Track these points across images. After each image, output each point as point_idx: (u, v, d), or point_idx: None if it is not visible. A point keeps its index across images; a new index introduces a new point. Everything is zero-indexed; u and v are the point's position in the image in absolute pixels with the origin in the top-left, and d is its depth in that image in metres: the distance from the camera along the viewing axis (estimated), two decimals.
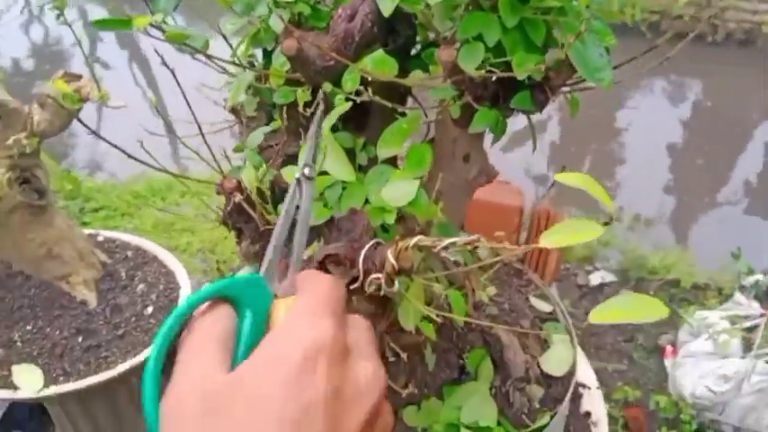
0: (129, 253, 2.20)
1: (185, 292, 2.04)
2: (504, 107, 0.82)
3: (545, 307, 1.34)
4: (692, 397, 2.36)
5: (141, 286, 2.06)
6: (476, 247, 0.62)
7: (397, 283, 0.70)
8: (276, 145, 1.02)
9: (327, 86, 0.84)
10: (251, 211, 0.87)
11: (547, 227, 2.34)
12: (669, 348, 2.70)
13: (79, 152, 5.05)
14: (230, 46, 0.99)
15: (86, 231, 2.19)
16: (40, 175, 1.84)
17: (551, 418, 1.08)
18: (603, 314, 0.62)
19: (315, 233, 0.86)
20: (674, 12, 6.89)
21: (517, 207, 2.38)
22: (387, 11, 0.75)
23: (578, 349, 1.41)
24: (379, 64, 0.78)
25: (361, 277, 0.73)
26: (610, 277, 3.14)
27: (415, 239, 0.64)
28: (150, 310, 1.99)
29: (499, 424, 1.07)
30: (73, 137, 5.21)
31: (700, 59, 6.44)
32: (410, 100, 1.02)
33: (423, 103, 1.01)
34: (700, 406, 2.35)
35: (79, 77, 1.79)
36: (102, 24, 0.90)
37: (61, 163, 4.42)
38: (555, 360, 1.21)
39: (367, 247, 0.72)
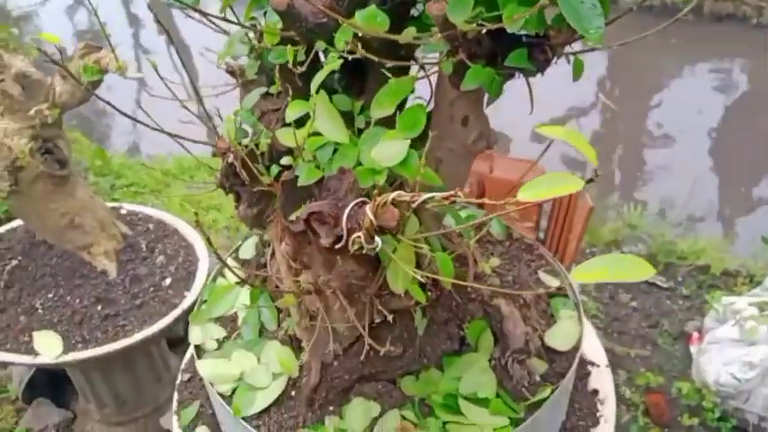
0: (151, 226, 2.23)
1: (204, 266, 2.06)
2: (501, 67, 0.80)
3: (554, 282, 1.31)
4: (716, 384, 2.30)
5: (161, 258, 2.09)
6: (453, 202, 0.60)
7: (379, 241, 0.69)
8: (277, 110, 1.01)
9: (321, 44, 0.83)
10: (242, 173, 0.87)
11: (568, 211, 2.31)
12: (695, 335, 2.64)
13: (116, 134, 5.15)
14: (231, 9, 0.98)
15: (110, 204, 2.23)
16: (62, 146, 1.88)
17: (552, 392, 1.06)
18: (586, 273, 0.60)
19: (305, 194, 0.85)
20: None
21: None
22: None
23: (589, 327, 1.38)
24: (370, 20, 0.76)
25: (345, 236, 0.72)
26: None
27: (393, 194, 0.62)
28: (168, 281, 2.01)
29: (498, 396, 1.06)
30: (110, 117, 5.32)
31: (744, 41, 6.23)
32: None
33: (427, 68, 0.99)
34: (723, 393, 2.29)
35: (99, 49, 1.81)
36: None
37: (100, 144, 4.51)
38: (561, 335, 1.18)
39: (351, 205, 0.71)
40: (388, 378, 1.09)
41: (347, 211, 0.70)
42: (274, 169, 0.89)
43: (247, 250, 1.42)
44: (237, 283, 1.28)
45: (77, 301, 1.91)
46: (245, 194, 0.96)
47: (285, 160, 0.84)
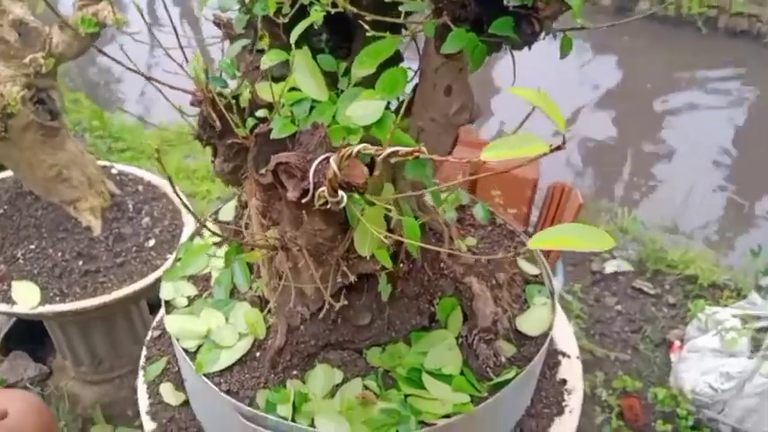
0: (140, 187, 2.22)
1: (188, 231, 2.06)
2: (485, 34, 0.79)
3: (532, 269, 1.30)
4: (693, 393, 2.29)
5: (146, 219, 2.08)
6: (416, 158, 0.59)
7: (344, 196, 0.68)
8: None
9: None
10: (216, 124, 0.86)
11: (560, 203, 2.30)
12: (677, 343, 2.63)
13: (124, 99, 5.13)
14: None
15: (101, 163, 2.22)
16: (54, 97, 1.86)
17: (517, 374, 1.05)
18: (545, 240, 0.59)
19: (279, 149, 0.84)
20: (734, 9, 6.64)
21: (531, 180, 2.33)
22: None
23: (562, 317, 1.38)
24: None
25: (311, 190, 0.71)
26: (626, 266, 3.06)
27: (358, 147, 0.62)
28: (152, 242, 2.01)
29: (462, 374, 1.05)
30: (119, 82, 5.30)
31: (756, 58, 6.20)
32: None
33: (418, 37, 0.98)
34: (699, 402, 2.29)
35: (98, 2, 1.79)
36: None
37: (106, 108, 4.48)
38: (532, 321, 1.18)
39: (319, 159, 0.70)
40: (354, 348, 1.09)
41: (315, 164, 0.69)
42: (250, 122, 0.88)
43: (227, 213, 1.42)
44: (214, 243, 1.27)
45: (59, 254, 1.90)
46: (221, 148, 0.95)
47: (261, 113, 0.83)
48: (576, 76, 5.50)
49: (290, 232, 0.82)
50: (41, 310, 1.77)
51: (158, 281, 1.90)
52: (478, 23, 0.79)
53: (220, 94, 0.92)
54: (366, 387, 1.04)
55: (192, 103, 0.90)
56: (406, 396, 1.03)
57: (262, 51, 1.01)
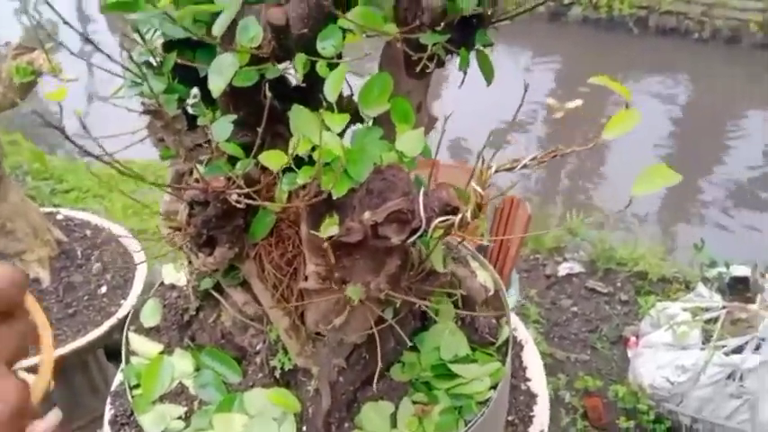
0: (88, 232, 2.18)
1: (141, 274, 2.03)
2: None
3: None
4: (651, 387, 2.36)
5: (97, 265, 2.04)
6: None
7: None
8: (206, 144, 1.00)
9: (301, 57, 0.82)
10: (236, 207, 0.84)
11: (510, 215, 2.35)
12: (632, 339, 2.71)
13: (64, 139, 4.99)
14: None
15: (46, 209, 2.17)
16: None
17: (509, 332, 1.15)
18: None
19: (325, 211, 0.84)
20: (663, 8, 6.91)
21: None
22: None
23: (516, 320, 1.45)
24: (365, 15, 0.79)
25: (422, 226, 0.74)
26: (578, 268, 3.14)
27: (497, 164, 0.68)
28: (104, 289, 1.97)
29: (473, 349, 1.16)
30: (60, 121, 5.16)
31: (686, 55, 6.46)
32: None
33: None
34: (657, 396, 2.36)
35: (33, 50, 1.76)
36: (112, 7, 0.88)
37: (50, 150, 4.38)
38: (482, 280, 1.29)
39: (422, 195, 0.74)
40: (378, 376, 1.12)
41: (420, 201, 0.74)
42: (282, 192, 0.86)
43: (150, 315, 1.29)
44: (162, 352, 1.20)
45: None
46: (224, 236, 0.93)
47: (301, 179, 0.81)
48: (517, 83, 5.64)
49: (373, 280, 0.84)
50: None
51: (113, 329, 1.87)
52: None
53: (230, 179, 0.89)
54: (414, 402, 1.09)
55: (196, 202, 0.87)
56: (448, 389, 1.10)
57: (196, 128, 1.01)
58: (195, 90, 1.02)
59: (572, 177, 4.46)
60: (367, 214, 0.77)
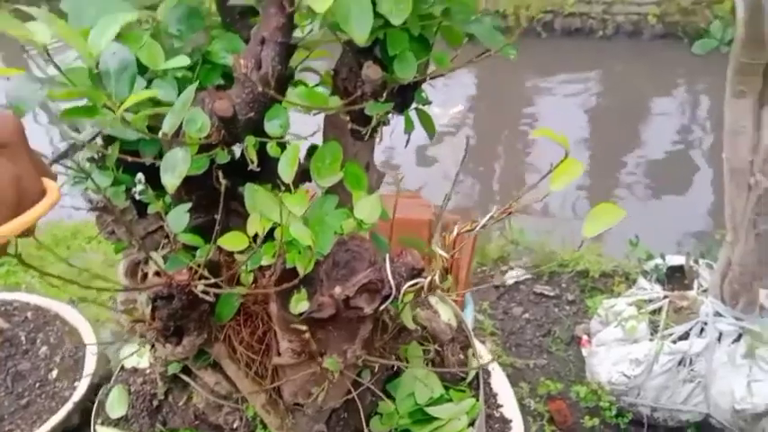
0: (29, 314, 2.10)
1: (92, 350, 1.96)
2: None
3: (443, 315, 1.40)
4: (609, 384, 2.45)
5: (44, 349, 1.96)
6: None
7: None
8: (158, 230, 1.00)
9: (251, 140, 0.83)
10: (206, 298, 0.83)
11: (454, 246, 2.40)
12: (585, 338, 2.81)
13: None
14: None
15: None
16: None
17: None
18: None
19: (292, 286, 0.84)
20: (566, 10, 7.22)
21: (426, 220, 2.41)
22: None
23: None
24: (310, 94, 0.81)
25: (393, 293, 0.75)
26: (524, 275, 3.23)
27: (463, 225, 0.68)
28: (55, 373, 1.90)
29: (446, 388, 1.18)
30: None
31: (594, 53, 6.76)
32: None
33: None
34: (617, 391, 2.45)
35: None
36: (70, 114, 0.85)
37: None
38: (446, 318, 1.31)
39: (388, 262, 0.75)
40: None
41: (388, 269, 0.75)
42: (246, 278, 0.86)
43: (117, 405, 1.23)
44: None
45: None
46: (191, 324, 0.92)
47: (265, 260, 0.81)
48: (440, 95, 5.77)
49: (349, 348, 0.84)
50: None
51: (71, 413, 1.80)
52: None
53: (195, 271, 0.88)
54: None
55: (160, 297, 0.86)
56: None
57: (146, 215, 1.00)
58: (140, 175, 1.02)
59: (504, 187, 4.59)
60: (338, 289, 0.79)
